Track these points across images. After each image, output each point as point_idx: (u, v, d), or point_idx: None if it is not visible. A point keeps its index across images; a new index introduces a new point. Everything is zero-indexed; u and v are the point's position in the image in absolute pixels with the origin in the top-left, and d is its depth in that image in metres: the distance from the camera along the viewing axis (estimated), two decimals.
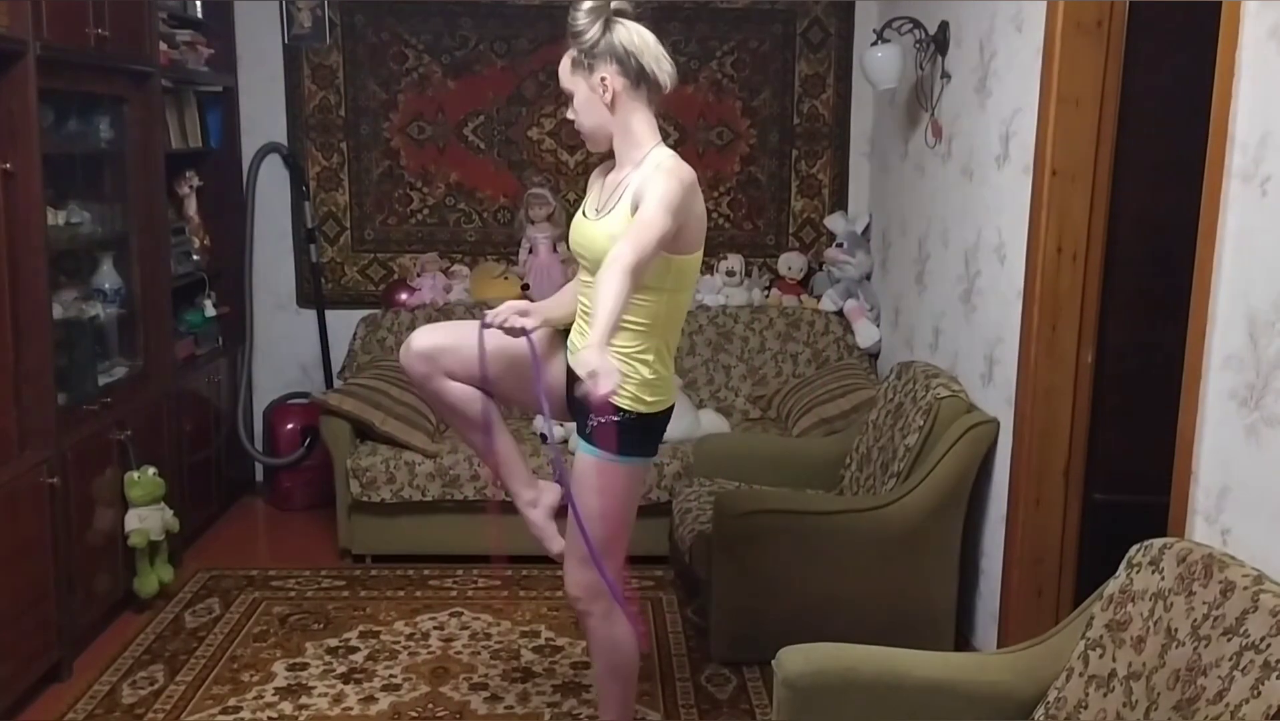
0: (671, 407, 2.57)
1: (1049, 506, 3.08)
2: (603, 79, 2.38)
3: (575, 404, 2.46)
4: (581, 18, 2.37)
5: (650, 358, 2.44)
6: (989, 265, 3.36)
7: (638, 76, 2.39)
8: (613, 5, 2.37)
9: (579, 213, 2.57)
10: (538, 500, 2.76)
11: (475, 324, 2.58)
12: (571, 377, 2.40)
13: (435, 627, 3.67)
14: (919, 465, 3.34)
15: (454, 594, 3.94)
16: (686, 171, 2.35)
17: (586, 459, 2.49)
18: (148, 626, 3.65)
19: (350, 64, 4.85)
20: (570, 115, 2.49)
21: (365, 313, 4.80)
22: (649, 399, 2.46)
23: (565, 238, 4.85)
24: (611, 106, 2.41)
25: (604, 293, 2.13)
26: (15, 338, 3.12)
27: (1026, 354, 3.05)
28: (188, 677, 3.33)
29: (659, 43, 2.42)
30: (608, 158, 2.55)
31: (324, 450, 4.28)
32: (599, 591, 2.55)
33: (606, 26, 2.36)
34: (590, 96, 2.41)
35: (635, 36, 2.38)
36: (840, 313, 4.77)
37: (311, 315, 4.96)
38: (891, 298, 4.53)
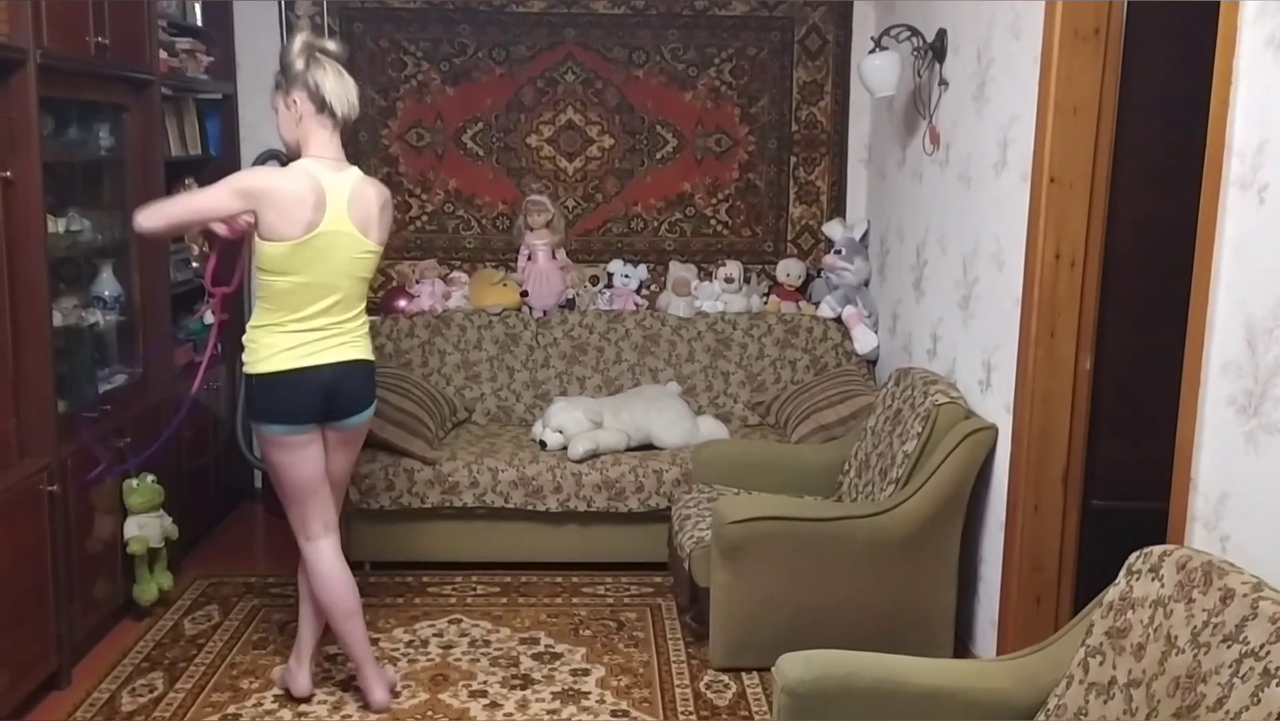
0: (279, 376, 2.91)
1: (1048, 513, 3.09)
2: (294, 101, 2.91)
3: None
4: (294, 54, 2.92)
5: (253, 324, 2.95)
6: (987, 272, 3.37)
7: (320, 104, 2.92)
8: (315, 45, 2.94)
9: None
10: (296, 671, 3.24)
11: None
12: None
13: (434, 635, 3.66)
14: (917, 471, 3.34)
15: (453, 601, 3.94)
16: (272, 176, 2.90)
17: None
18: (147, 633, 3.65)
19: (349, 71, 4.83)
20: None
21: None
22: (244, 357, 2.96)
23: (564, 244, 4.91)
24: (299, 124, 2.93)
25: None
26: (15, 345, 3.12)
27: (1025, 360, 3.06)
28: (187, 685, 3.33)
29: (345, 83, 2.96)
30: None
31: None
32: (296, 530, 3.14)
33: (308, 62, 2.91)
34: (285, 115, 2.95)
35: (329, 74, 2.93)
36: (838, 319, 4.78)
37: None
38: (889, 304, 4.54)
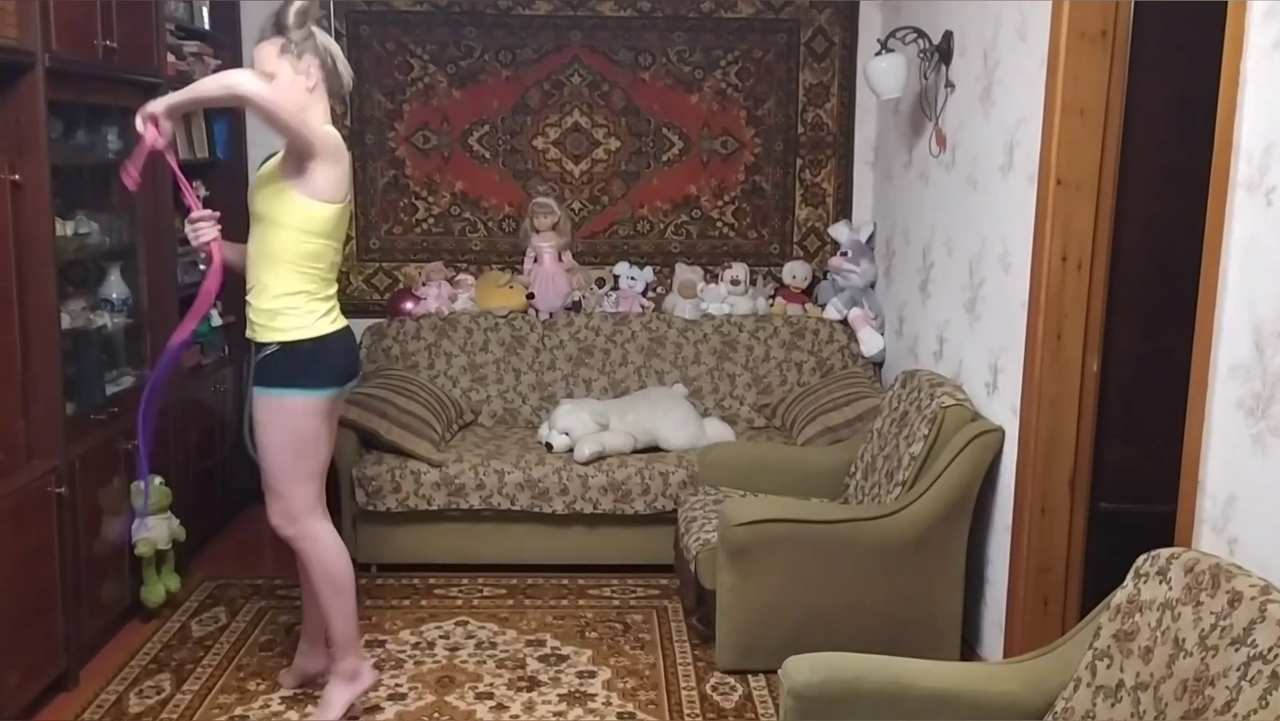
0: (326, 339, 2.91)
1: (1055, 515, 3.08)
2: (307, 68, 2.87)
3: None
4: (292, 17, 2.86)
5: (267, 288, 2.88)
6: (993, 274, 3.37)
7: (330, 73, 2.93)
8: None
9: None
10: (311, 653, 3.27)
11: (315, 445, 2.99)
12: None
13: (441, 636, 3.67)
14: (924, 474, 3.34)
15: (459, 603, 3.94)
16: (334, 137, 2.87)
17: (256, 397, 2.95)
18: (154, 635, 3.66)
19: (356, 74, 4.83)
20: None
21: (370, 322, 4.80)
22: (277, 326, 2.87)
23: (570, 246, 4.91)
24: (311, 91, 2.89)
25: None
26: (23, 347, 3.13)
27: (1031, 362, 3.06)
28: (194, 686, 3.33)
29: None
30: None
31: None
32: (293, 516, 3.00)
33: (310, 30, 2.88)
34: (294, 80, 2.85)
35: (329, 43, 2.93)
36: (844, 321, 4.78)
37: None
38: (896, 306, 4.53)
